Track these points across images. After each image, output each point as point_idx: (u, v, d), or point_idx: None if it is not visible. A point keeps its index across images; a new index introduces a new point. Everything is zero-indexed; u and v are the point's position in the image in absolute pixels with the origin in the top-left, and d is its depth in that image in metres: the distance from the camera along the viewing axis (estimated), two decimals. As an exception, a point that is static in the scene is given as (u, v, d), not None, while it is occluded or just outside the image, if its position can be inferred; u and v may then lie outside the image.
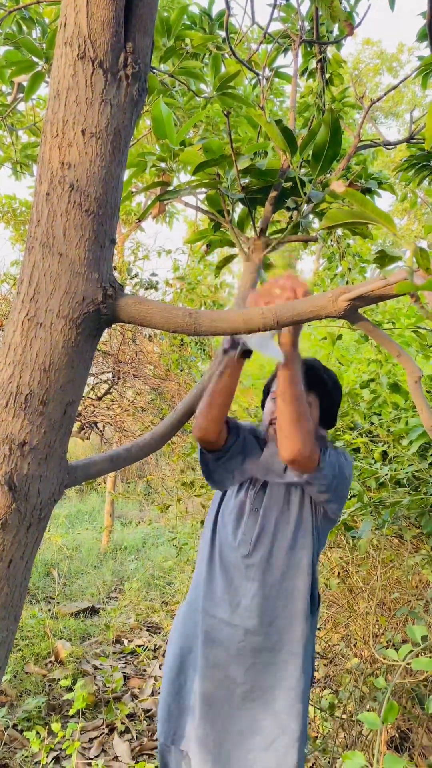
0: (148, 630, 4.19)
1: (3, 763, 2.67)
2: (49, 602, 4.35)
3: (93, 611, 4.37)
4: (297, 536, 1.81)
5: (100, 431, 4.56)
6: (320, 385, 1.86)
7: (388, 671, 2.41)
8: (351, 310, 1.26)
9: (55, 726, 2.62)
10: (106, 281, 1.29)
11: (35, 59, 2.41)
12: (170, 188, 1.88)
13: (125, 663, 3.73)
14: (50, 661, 3.55)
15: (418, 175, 3.56)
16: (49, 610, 4.15)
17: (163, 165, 1.82)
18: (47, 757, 2.71)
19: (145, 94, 1.30)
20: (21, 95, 3.18)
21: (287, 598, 1.78)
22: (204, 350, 4.71)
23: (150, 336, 4.18)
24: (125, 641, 4.02)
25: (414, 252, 0.79)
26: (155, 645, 3.91)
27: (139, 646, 3.92)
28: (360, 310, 1.32)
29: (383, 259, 1.01)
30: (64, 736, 2.72)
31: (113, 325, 4.13)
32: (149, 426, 4.73)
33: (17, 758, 2.70)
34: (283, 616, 1.77)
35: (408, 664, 1.39)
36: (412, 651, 1.41)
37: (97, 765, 2.71)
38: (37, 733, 2.84)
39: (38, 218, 1.26)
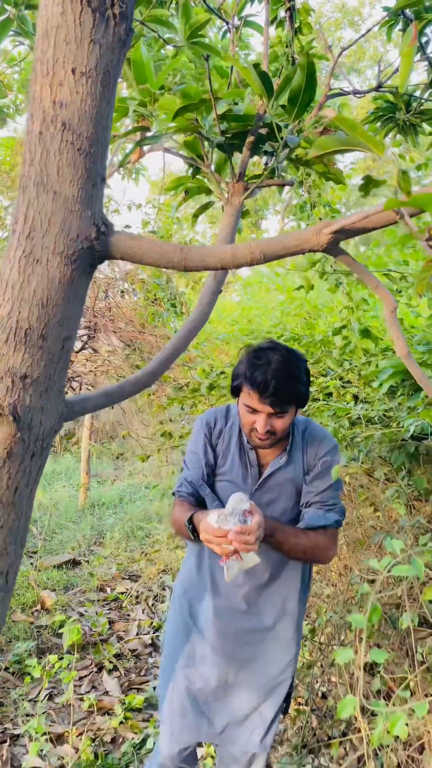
0: (129, 578, 4.33)
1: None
2: (31, 557, 4.44)
3: (75, 563, 4.49)
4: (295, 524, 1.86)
5: (75, 390, 4.60)
6: (295, 399, 1.77)
7: (362, 601, 2.58)
8: (333, 243, 1.34)
9: (52, 657, 2.73)
10: (99, 219, 1.34)
11: (5, 6, 2.37)
12: (150, 133, 1.92)
13: (109, 609, 3.87)
14: (36, 610, 3.66)
15: (384, 127, 3.62)
16: (32, 563, 4.24)
17: (142, 110, 1.85)
18: (40, 694, 2.84)
19: (132, 34, 1.34)
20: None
21: (283, 584, 1.87)
22: (175, 306, 4.74)
23: (123, 291, 4.21)
24: (108, 589, 4.15)
25: (397, 174, 0.86)
26: (137, 592, 4.06)
27: (122, 593, 4.06)
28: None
29: (368, 185, 1.08)
30: (58, 669, 2.85)
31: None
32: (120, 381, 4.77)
33: (11, 697, 2.82)
34: (279, 601, 1.87)
35: (389, 572, 1.52)
36: (391, 561, 1.55)
37: (89, 698, 2.85)
38: (29, 674, 2.96)
39: (31, 157, 1.29)
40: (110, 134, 1.37)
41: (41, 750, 2.43)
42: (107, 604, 3.95)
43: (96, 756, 2.47)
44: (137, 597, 4.03)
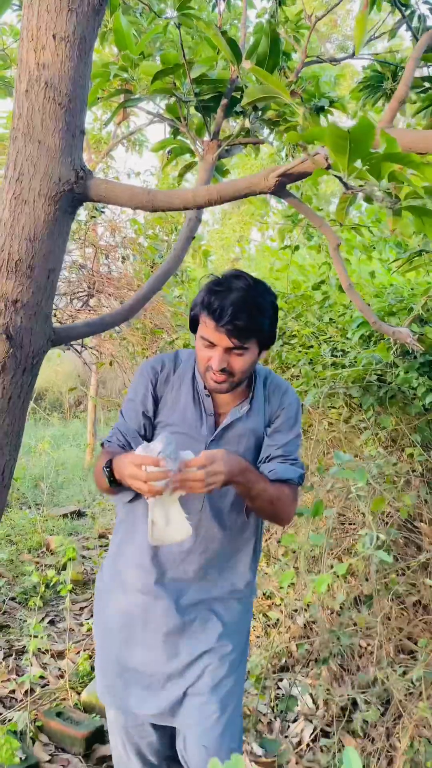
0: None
1: (5, 624, 3.08)
2: (39, 508, 4.72)
3: (79, 514, 4.78)
4: None
5: (79, 353, 4.84)
6: (257, 332, 1.54)
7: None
8: (280, 186, 1.54)
9: (50, 572, 3.00)
10: (78, 165, 1.55)
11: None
12: (132, 96, 2.12)
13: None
14: (42, 552, 3.94)
15: (372, 96, 3.77)
16: (39, 513, 4.53)
17: (125, 75, 2.06)
18: (44, 621, 3.12)
19: (105, 3, 1.54)
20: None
21: (234, 548, 1.68)
22: (174, 274, 4.94)
23: (123, 258, 4.43)
24: (109, 536, 4.43)
25: (301, 117, 1.07)
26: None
27: (123, 541, 4.33)
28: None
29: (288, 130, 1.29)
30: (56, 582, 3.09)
31: (86, 241, 4.32)
32: (122, 348, 5.02)
33: (17, 619, 3.10)
34: (230, 572, 1.68)
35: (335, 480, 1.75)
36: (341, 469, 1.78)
37: (87, 624, 3.14)
38: (34, 604, 3.24)
39: (20, 112, 1.51)
40: (88, 92, 1.58)
41: (43, 662, 2.72)
42: (107, 549, 4.23)
43: (92, 668, 2.74)
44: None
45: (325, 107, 3.27)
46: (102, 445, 1.69)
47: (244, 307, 1.48)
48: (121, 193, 1.58)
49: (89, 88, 1.60)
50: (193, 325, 1.63)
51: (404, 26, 3.28)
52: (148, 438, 1.65)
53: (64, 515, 4.63)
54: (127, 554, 1.68)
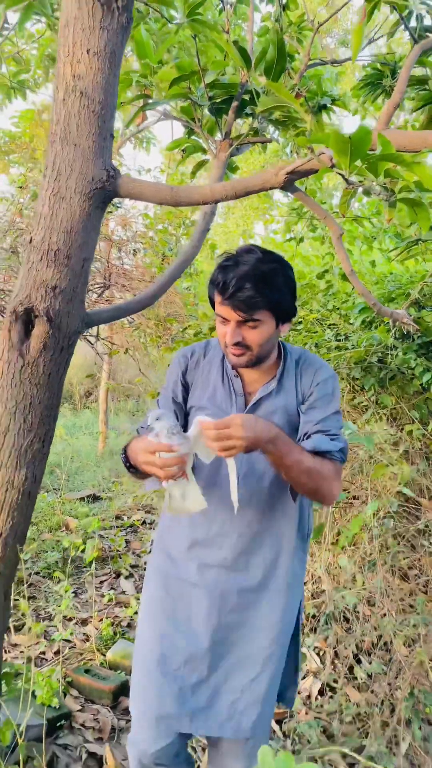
0: (143, 510, 4.81)
1: (32, 595, 3.29)
2: (56, 492, 4.94)
3: (95, 498, 4.99)
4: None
5: (92, 344, 5.03)
6: (265, 303, 1.48)
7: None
8: (288, 182, 1.73)
9: (77, 541, 3.21)
10: (109, 165, 1.75)
11: (27, -8, 2.75)
12: (150, 100, 2.31)
13: (125, 533, 4.35)
14: (62, 531, 4.15)
15: (372, 93, 3.95)
16: (57, 497, 4.74)
17: (144, 81, 2.24)
18: (67, 592, 3.33)
19: (131, 22, 1.73)
20: (7, 25, 3.49)
21: (274, 534, 1.61)
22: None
23: (135, 251, 4.61)
24: (125, 517, 4.64)
25: (309, 122, 1.25)
26: (151, 520, 4.54)
27: (138, 521, 4.54)
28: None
29: (298, 135, 1.47)
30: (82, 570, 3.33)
31: (101, 236, 4.49)
32: (134, 338, 5.22)
33: (42, 593, 3.32)
34: (273, 554, 1.61)
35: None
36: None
37: (109, 595, 3.35)
38: (57, 578, 3.45)
39: (57, 118, 1.70)
40: (116, 100, 1.77)
41: (70, 629, 2.92)
42: (123, 529, 4.44)
43: (115, 633, 2.95)
44: (151, 524, 4.51)
45: (328, 105, 3.43)
46: (137, 431, 1.67)
47: (249, 279, 1.44)
48: (146, 190, 1.77)
49: (117, 96, 1.79)
50: (212, 303, 1.58)
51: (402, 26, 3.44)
52: (183, 424, 1.64)
53: (81, 498, 4.84)
54: (167, 542, 1.68)
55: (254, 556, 1.59)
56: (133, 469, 1.53)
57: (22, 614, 3.03)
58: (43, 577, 3.53)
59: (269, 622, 1.59)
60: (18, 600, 2.44)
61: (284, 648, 1.64)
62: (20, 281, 1.77)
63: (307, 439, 1.55)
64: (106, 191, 1.75)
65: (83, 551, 3.58)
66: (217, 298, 1.50)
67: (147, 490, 1.71)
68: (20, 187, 3.85)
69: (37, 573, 3.55)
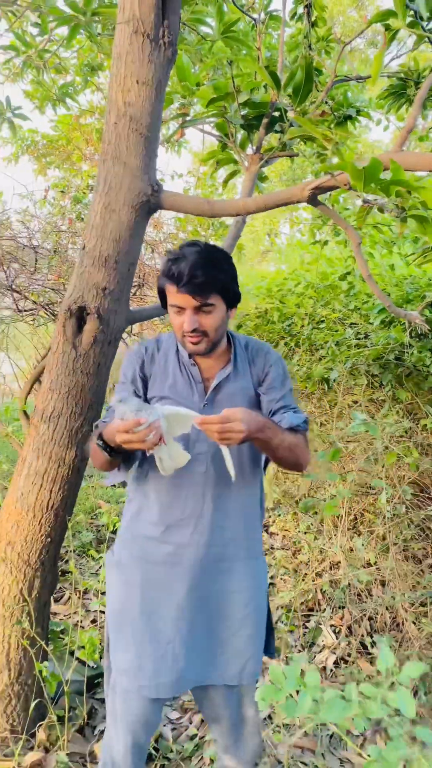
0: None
1: (68, 570, 3.55)
2: (89, 478, 5.21)
3: (124, 484, 5.26)
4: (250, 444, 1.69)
5: (124, 340, 5.28)
6: (217, 286, 1.60)
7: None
8: (313, 197, 1.93)
9: (114, 518, 3.46)
10: (153, 181, 1.97)
11: (75, 14, 2.99)
12: (189, 118, 2.53)
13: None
14: (95, 514, 4.42)
15: (396, 102, 4.12)
16: (90, 483, 5.01)
17: (183, 101, 2.47)
18: (99, 563, 3.59)
19: (176, 54, 1.95)
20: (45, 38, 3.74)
21: (242, 508, 1.71)
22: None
23: (167, 251, 4.80)
24: (153, 504, 4.89)
25: (332, 148, 1.46)
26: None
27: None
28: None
29: (322, 161, 1.68)
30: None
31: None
32: (168, 329, 5.45)
33: (79, 569, 3.58)
34: (242, 526, 1.71)
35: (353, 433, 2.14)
36: (356, 424, 2.17)
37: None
38: (91, 556, 3.71)
39: (109, 140, 1.93)
40: (161, 122, 2.00)
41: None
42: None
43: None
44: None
45: (353, 116, 3.63)
46: (95, 426, 1.66)
47: (200, 266, 1.55)
48: (186, 203, 2.00)
49: (161, 118, 2.02)
50: (163, 300, 1.68)
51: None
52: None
53: (113, 486, 5.12)
54: (140, 526, 1.69)
55: (227, 530, 1.67)
56: (114, 453, 1.55)
57: (61, 587, 3.29)
58: (79, 555, 3.79)
59: (243, 586, 1.70)
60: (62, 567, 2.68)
61: (260, 608, 1.75)
62: (73, 282, 2.00)
63: (272, 415, 1.70)
64: (150, 204, 1.97)
65: (114, 532, 3.83)
66: (172, 289, 1.58)
67: (108, 484, 1.84)
68: (62, 192, 4.11)
69: (73, 551, 3.81)
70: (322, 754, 2.33)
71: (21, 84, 4.23)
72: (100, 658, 2.70)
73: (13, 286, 3.56)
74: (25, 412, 4.36)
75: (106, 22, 3.32)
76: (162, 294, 1.65)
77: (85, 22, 3.07)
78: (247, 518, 1.73)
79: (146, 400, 1.70)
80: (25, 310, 3.95)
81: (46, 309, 3.62)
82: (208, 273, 1.56)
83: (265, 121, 2.50)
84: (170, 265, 1.57)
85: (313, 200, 1.95)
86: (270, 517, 4.06)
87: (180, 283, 1.55)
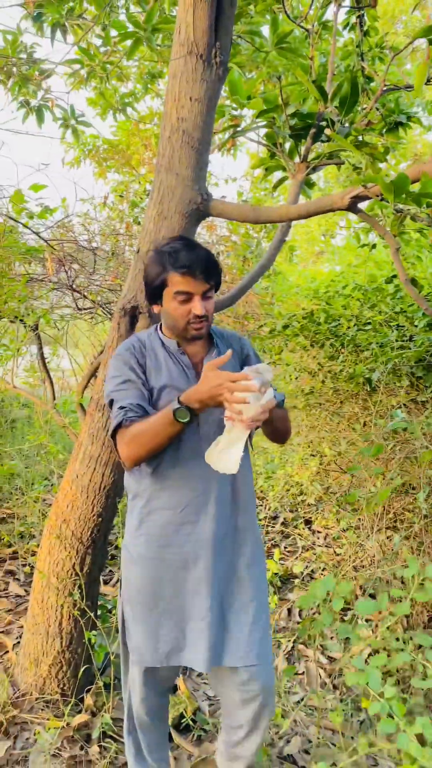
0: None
1: (116, 555, 3.76)
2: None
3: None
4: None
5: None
6: (220, 272, 1.74)
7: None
8: (352, 204, 2.04)
9: None
10: (203, 190, 2.12)
11: (137, 30, 3.18)
12: (240, 128, 2.67)
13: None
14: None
15: (447, 107, 4.14)
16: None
17: (235, 113, 2.61)
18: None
19: (227, 73, 2.09)
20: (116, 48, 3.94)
21: (245, 478, 1.80)
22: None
23: (218, 253, 5.00)
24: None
25: (366, 165, 1.57)
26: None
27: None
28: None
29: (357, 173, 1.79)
30: None
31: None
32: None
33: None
34: (247, 497, 1.80)
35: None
36: (396, 423, 2.26)
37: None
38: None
39: (163, 152, 2.09)
40: (211, 136, 2.14)
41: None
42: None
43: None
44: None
45: (404, 122, 3.69)
46: (119, 427, 1.64)
47: (206, 253, 1.69)
48: (233, 210, 2.14)
49: (212, 132, 2.16)
50: (156, 295, 1.74)
51: None
52: (153, 404, 1.71)
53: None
54: (155, 515, 1.72)
55: (235, 503, 1.77)
56: (188, 421, 1.53)
57: (110, 569, 3.49)
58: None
59: (251, 553, 1.79)
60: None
61: (265, 593, 1.84)
62: (128, 284, 2.18)
63: None
64: (200, 212, 2.12)
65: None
66: (181, 278, 1.65)
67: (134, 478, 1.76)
68: (120, 196, 4.32)
69: (122, 536, 4.02)
70: (351, 737, 2.43)
71: (84, 91, 4.47)
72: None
73: (74, 286, 3.79)
74: (81, 405, 4.61)
75: (165, 33, 3.51)
76: (158, 286, 1.70)
77: (146, 37, 3.25)
78: (248, 489, 1.81)
79: (148, 390, 1.73)
80: (84, 309, 4.18)
81: (103, 308, 3.83)
82: (215, 260, 1.70)
83: (312, 131, 2.62)
84: (180, 256, 1.65)
85: (352, 208, 2.05)
86: (311, 513, 4.17)
87: (198, 270, 1.64)
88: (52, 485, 4.56)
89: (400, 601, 3.07)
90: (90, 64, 3.86)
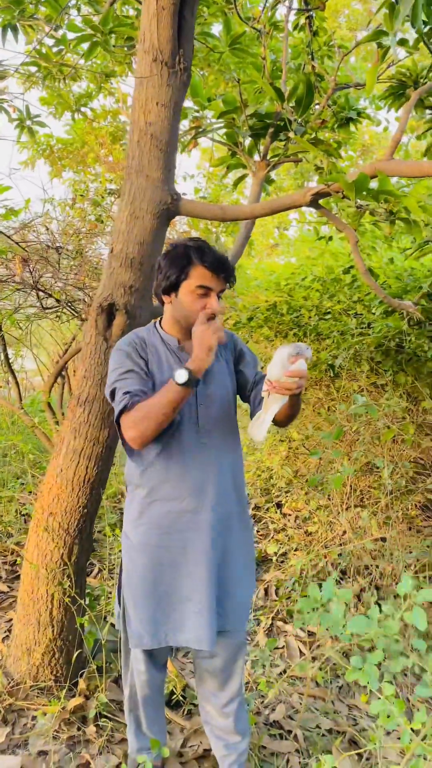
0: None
1: (94, 549, 3.83)
2: (113, 466, 5.49)
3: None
4: (233, 409, 1.91)
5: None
6: (233, 280, 1.81)
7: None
8: (314, 201, 2.17)
9: None
10: (173, 191, 2.22)
11: (95, 33, 3.24)
12: (201, 129, 2.78)
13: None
14: (118, 499, 4.70)
15: (396, 101, 4.33)
16: (112, 471, 5.30)
17: (196, 114, 2.71)
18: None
19: (190, 78, 2.19)
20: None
21: (236, 464, 1.89)
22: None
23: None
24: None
25: (327, 164, 1.70)
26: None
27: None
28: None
29: (322, 174, 1.92)
30: None
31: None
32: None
33: (105, 548, 3.86)
34: (239, 483, 1.90)
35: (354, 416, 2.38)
36: (356, 406, 2.41)
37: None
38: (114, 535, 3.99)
39: (133, 155, 2.18)
40: (178, 138, 2.24)
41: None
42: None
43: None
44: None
45: (354, 118, 3.85)
46: (123, 411, 1.66)
47: (227, 258, 1.76)
48: (202, 210, 2.24)
49: (178, 134, 2.26)
50: (173, 288, 1.76)
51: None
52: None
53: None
54: (156, 505, 1.78)
55: (230, 491, 1.84)
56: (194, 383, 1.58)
57: (90, 562, 3.57)
58: (104, 535, 4.08)
59: (242, 537, 1.88)
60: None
61: (253, 558, 1.97)
62: (103, 282, 2.26)
63: (256, 384, 1.88)
64: (170, 211, 2.22)
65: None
66: (206, 273, 1.71)
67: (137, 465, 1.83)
68: (81, 196, 4.36)
69: (99, 531, 4.09)
70: (332, 702, 2.58)
71: (36, 90, 4.49)
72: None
73: (38, 285, 3.83)
74: (49, 404, 4.65)
75: (119, 35, 3.58)
76: (178, 277, 1.73)
77: (103, 39, 3.31)
78: (239, 475, 1.90)
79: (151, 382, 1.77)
80: (49, 308, 4.22)
81: (68, 306, 3.88)
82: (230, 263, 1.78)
83: (270, 130, 2.74)
84: (204, 253, 1.71)
85: (314, 204, 2.18)
86: (281, 497, 4.32)
87: (221, 268, 1.71)
88: (23, 485, 4.59)
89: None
90: (47, 66, 3.90)
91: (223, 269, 1.72)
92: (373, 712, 1.76)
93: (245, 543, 1.92)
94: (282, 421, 1.82)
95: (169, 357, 1.80)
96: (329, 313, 3.78)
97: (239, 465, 1.92)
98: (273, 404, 1.60)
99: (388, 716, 1.69)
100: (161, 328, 1.86)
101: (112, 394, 1.72)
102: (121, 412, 1.66)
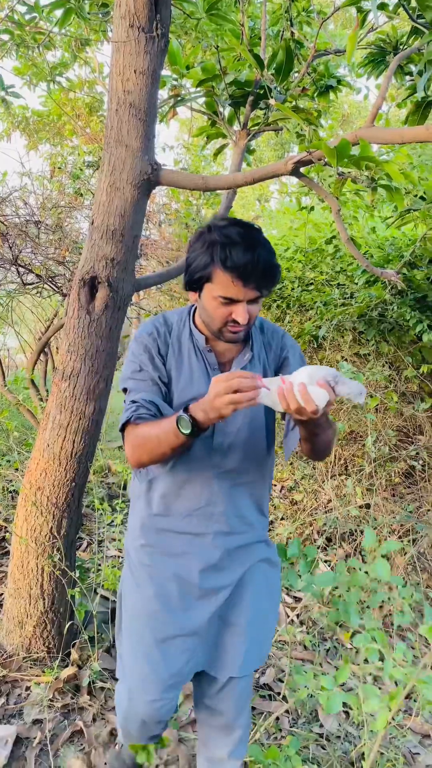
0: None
1: (83, 523, 3.86)
2: (99, 440, 5.50)
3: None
4: (264, 427, 1.63)
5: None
6: (273, 284, 1.46)
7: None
8: (295, 170, 2.16)
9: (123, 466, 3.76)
10: (153, 161, 2.19)
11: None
12: (180, 98, 2.74)
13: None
14: (105, 473, 4.71)
15: (376, 69, 4.29)
16: (99, 444, 5.31)
17: (175, 83, 2.67)
18: (113, 522, 3.90)
19: (168, 44, 2.15)
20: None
21: (256, 493, 1.66)
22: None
23: (160, 223, 5.04)
24: (158, 463, 5.19)
25: (309, 132, 1.69)
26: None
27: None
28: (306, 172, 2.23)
29: (302, 140, 1.91)
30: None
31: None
32: (166, 295, 5.70)
33: (95, 520, 3.89)
34: (255, 514, 1.67)
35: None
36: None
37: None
38: (103, 510, 4.01)
39: (111, 125, 2.15)
40: (157, 106, 2.21)
41: (119, 549, 3.49)
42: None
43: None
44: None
45: (334, 86, 3.81)
46: (127, 423, 1.48)
47: (267, 258, 1.39)
48: (183, 179, 2.22)
49: (157, 103, 2.23)
50: (197, 285, 1.47)
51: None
52: (169, 402, 1.55)
53: (119, 447, 5.41)
54: (155, 521, 1.63)
55: (241, 519, 1.63)
56: (195, 434, 1.35)
57: (79, 536, 3.60)
58: (92, 510, 4.10)
59: (257, 575, 1.67)
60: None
61: (277, 604, 1.76)
62: (84, 255, 2.24)
63: None
64: (150, 181, 2.20)
65: (125, 488, 4.13)
66: (229, 280, 1.38)
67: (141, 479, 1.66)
68: (59, 168, 4.29)
69: (87, 506, 4.12)
70: (320, 664, 2.65)
71: (9, 60, 4.38)
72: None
73: (17, 261, 3.78)
74: (33, 381, 4.63)
75: (94, 1, 3.49)
76: (200, 277, 1.43)
77: (77, 6, 3.23)
78: (259, 505, 1.68)
79: (165, 384, 1.56)
80: (30, 284, 4.17)
81: (49, 282, 3.85)
82: (273, 264, 1.41)
83: (250, 98, 2.71)
84: (234, 253, 1.36)
85: (295, 173, 2.17)
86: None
87: (252, 277, 1.37)
88: (9, 462, 4.59)
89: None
90: (20, 33, 3.80)
91: (252, 277, 1.37)
92: (356, 645, 1.84)
93: (263, 578, 1.69)
94: (307, 455, 1.61)
95: (192, 356, 1.57)
96: (312, 284, 3.78)
97: (262, 488, 1.68)
98: (265, 400, 1.30)
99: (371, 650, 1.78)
100: (193, 319, 1.61)
101: (124, 391, 1.57)
102: (125, 425, 1.50)
